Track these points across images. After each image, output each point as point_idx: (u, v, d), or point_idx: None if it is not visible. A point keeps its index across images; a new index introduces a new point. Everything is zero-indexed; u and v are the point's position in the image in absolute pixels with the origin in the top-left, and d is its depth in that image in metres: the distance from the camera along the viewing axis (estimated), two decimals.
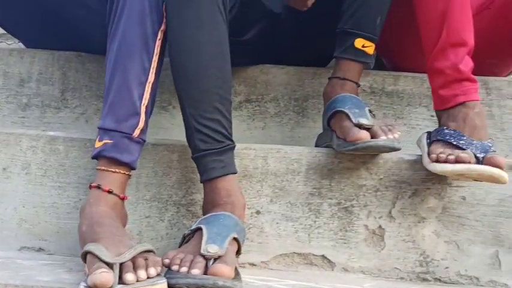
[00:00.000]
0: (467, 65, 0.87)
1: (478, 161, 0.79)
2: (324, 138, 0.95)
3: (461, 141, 0.81)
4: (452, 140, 0.82)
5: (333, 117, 0.90)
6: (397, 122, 1.14)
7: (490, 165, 0.77)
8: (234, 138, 1.12)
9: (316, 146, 0.99)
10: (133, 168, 0.83)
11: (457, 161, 0.78)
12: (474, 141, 0.81)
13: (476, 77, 1.12)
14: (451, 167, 0.78)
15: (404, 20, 0.99)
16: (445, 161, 0.79)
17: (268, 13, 1.06)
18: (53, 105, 1.16)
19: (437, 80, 0.88)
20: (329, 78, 0.97)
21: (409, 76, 1.15)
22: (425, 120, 1.13)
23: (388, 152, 0.86)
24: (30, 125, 1.16)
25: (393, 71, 1.19)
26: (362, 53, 0.93)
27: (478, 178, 0.80)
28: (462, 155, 0.78)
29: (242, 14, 0.96)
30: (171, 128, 1.15)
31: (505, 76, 1.21)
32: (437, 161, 0.81)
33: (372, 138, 0.82)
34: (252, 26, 1.04)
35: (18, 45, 1.46)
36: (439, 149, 0.82)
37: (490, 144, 0.82)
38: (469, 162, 0.77)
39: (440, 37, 0.86)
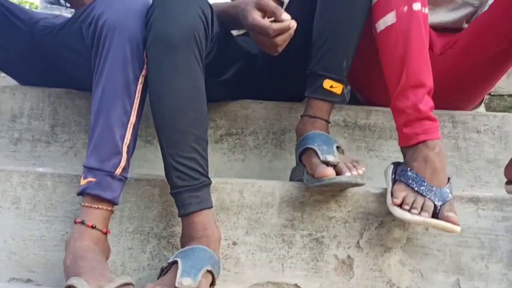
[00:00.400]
0: (426, 104, 0.93)
1: (436, 209, 0.86)
2: (297, 172, 1.01)
3: (421, 187, 0.88)
4: (414, 186, 0.88)
5: (303, 153, 0.97)
6: (369, 154, 1.21)
7: (444, 220, 0.83)
8: (215, 170, 1.18)
9: (290, 179, 1.05)
10: (116, 204, 0.88)
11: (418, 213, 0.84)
12: (434, 188, 0.88)
13: (443, 111, 1.21)
14: (409, 217, 0.85)
15: (372, 61, 1.06)
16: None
17: (246, 54, 1.14)
18: (44, 140, 1.22)
19: (400, 119, 0.95)
20: (301, 116, 1.04)
21: (380, 111, 1.22)
22: (396, 152, 1.19)
23: (351, 187, 0.92)
24: (21, 159, 1.22)
25: (366, 105, 1.26)
26: (330, 93, 0.99)
27: (433, 228, 0.87)
28: (422, 213, 0.84)
29: (220, 56, 1.02)
30: (156, 161, 1.21)
31: (471, 110, 1.28)
32: (399, 205, 0.87)
33: (337, 174, 0.88)
34: (230, 66, 1.10)
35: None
36: (401, 192, 0.88)
37: (448, 191, 0.88)
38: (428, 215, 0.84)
39: (400, 79, 0.93)
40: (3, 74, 1.75)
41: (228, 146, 1.22)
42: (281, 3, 1.17)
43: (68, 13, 1.25)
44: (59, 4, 1.25)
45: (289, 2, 1.13)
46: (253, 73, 1.17)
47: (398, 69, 0.94)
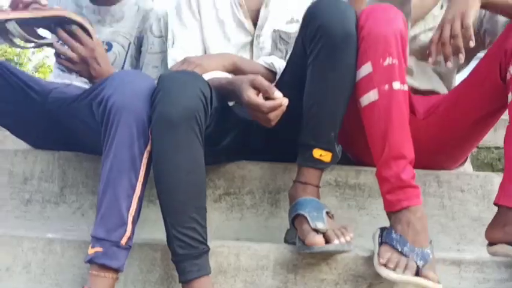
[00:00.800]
0: (408, 174, 1.01)
1: (418, 268, 0.93)
2: (290, 235, 1.08)
3: (405, 248, 0.95)
4: (398, 247, 0.95)
5: (295, 218, 1.04)
6: (359, 212, 1.28)
7: (426, 278, 0.90)
8: (214, 228, 1.24)
9: (284, 240, 1.12)
10: (121, 271, 0.95)
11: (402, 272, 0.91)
12: (416, 249, 0.95)
13: (428, 171, 1.28)
14: (394, 276, 0.92)
15: (359, 126, 1.14)
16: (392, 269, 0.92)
17: (242, 121, 1.22)
18: (53, 201, 1.30)
19: (384, 187, 1.02)
20: (293, 181, 1.11)
21: (369, 170, 1.29)
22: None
23: (339, 253, 0.99)
24: (31, 219, 1.29)
25: (356, 164, 1.34)
26: (320, 161, 1.07)
27: (416, 286, 0.93)
28: (406, 272, 0.91)
29: (218, 127, 1.10)
30: (158, 220, 1.24)
31: (457, 167, 1.35)
32: (385, 265, 0.93)
33: (326, 242, 0.95)
34: (227, 134, 1.19)
35: None
36: (387, 253, 0.95)
37: (429, 252, 0.95)
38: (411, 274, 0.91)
39: (384, 151, 1.01)
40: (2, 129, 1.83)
41: (226, 205, 1.29)
42: (274, 74, 1.26)
43: (78, 82, 1.34)
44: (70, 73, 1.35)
45: (281, 74, 1.23)
46: (249, 139, 1.25)
47: (381, 142, 1.02)
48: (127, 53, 1.39)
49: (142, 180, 0.97)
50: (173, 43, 1.31)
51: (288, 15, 1.34)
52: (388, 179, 1.01)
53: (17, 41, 1.07)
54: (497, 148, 1.76)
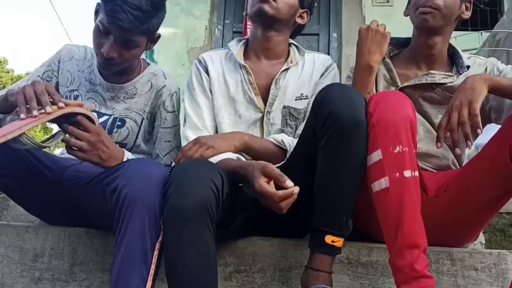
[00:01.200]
0: (422, 263, 1.00)
1: None
2: None
3: None
4: None
5: None
6: None
7: None
8: None
9: None
10: None
11: None
12: None
13: (441, 249, 1.26)
14: None
15: (371, 205, 1.13)
16: None
17: (252, 202, 1.22)
18: (62, 279, 1.29)
19: (398, 276, 1.01)
20: (305, 267, 1.10)
21: (382, 248, 1.28)
22: None
23: None
24: None
25: (367, 240, 1.32)
26: (332, 247, 1.07)
27: None
28: None
29: (229, 210, 1.11)
30: None
31: (470, 242, 1.33)
32: None
33: None
34: (238, 216, 1.19)
35: None
36: None
37: None
38: None
39: (397, 238, 1.01)
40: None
41: (236, 284, 1.28)
42: (284, 152, 1.27)
43: None
44: None
45: (292, 154, 1.24)
46: (259, 218, 1.24)
47: (394, 229, 1.02)
48: (140, 128, 1.41)
49: (153, 273, 0.97)
50: (185, 121, 1.33)
51: (297, 91, 1.37)
52: (402, 269, 1.00)
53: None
54: (508, 214, 1.74)
